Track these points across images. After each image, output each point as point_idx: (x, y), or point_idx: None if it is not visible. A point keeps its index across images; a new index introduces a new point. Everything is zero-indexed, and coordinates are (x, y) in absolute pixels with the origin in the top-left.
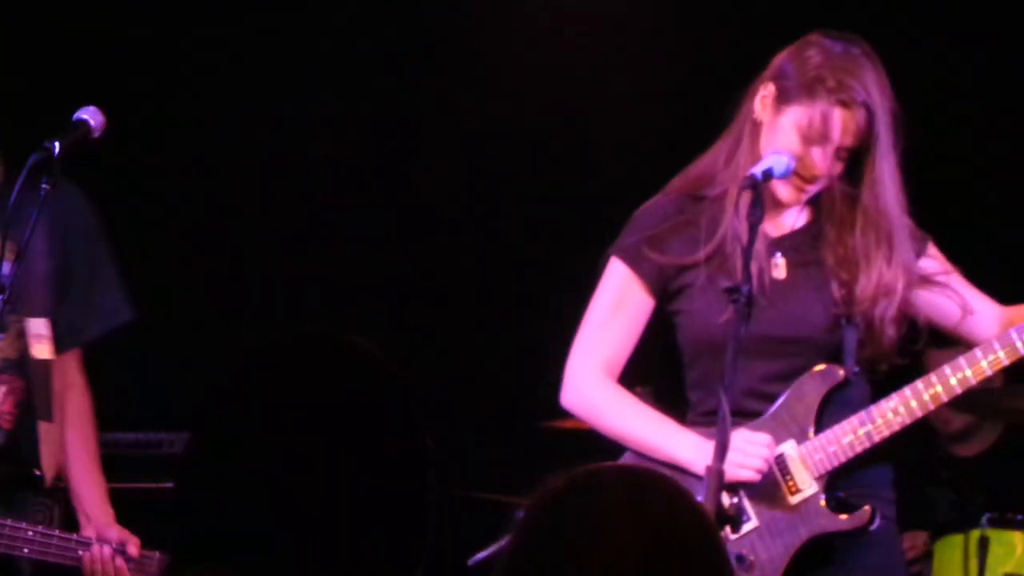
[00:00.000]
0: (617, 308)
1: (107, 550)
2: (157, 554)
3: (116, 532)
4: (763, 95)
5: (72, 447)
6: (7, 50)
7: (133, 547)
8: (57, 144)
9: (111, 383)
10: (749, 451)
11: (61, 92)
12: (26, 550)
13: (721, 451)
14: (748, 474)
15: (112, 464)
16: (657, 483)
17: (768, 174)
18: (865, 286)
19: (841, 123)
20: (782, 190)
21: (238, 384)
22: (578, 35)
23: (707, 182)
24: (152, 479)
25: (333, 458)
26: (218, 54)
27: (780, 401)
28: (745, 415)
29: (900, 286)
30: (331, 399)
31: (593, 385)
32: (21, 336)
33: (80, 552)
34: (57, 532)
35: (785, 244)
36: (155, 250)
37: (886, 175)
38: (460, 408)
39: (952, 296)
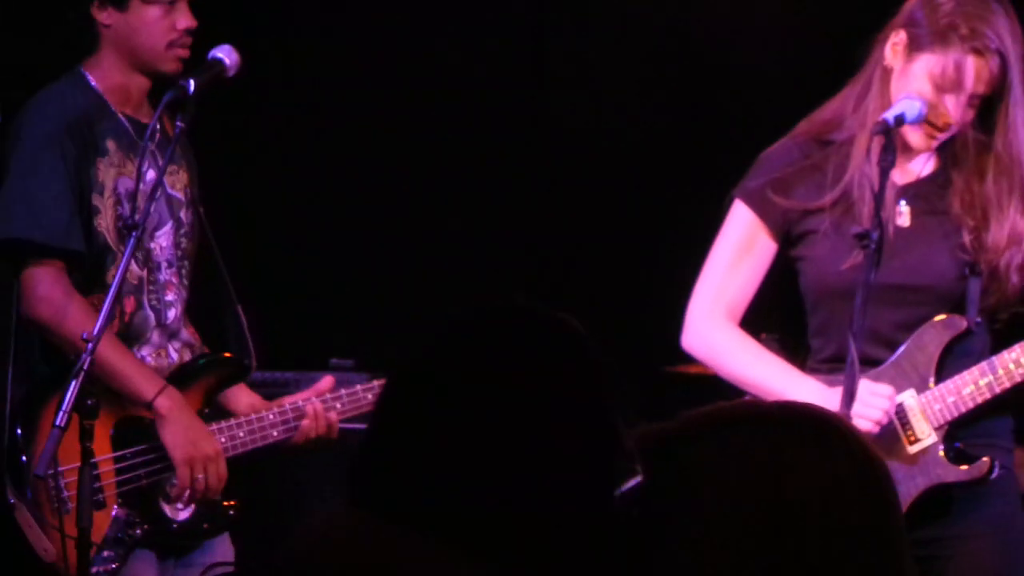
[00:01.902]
0: (740, 251)
1: (318, 404)
2: (357, 387)
3: (295, 398)
4: (894, 42)
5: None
6: None
7: (326, 384)
8: (192, 82)
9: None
10: (870, 401)
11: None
12: (275, 433)
13: (849, 397)
14: (867, 424)
15: None
16: (835, 424)
17: (900, 119)
18: (997, 234)
19: (974, 71)
20: (913, 136)
21: (436, 350)
22: None
23: (834, 127)
24: None
25: (520, 430)
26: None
27: (901, 350)
28: (867, 362)
29: None
30: (526, 370)
31: (715, 328)
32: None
33: (295, 422)
34: (274, 410)
35: (911, 192)
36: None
37: (1019, 122)
38: None
39: None
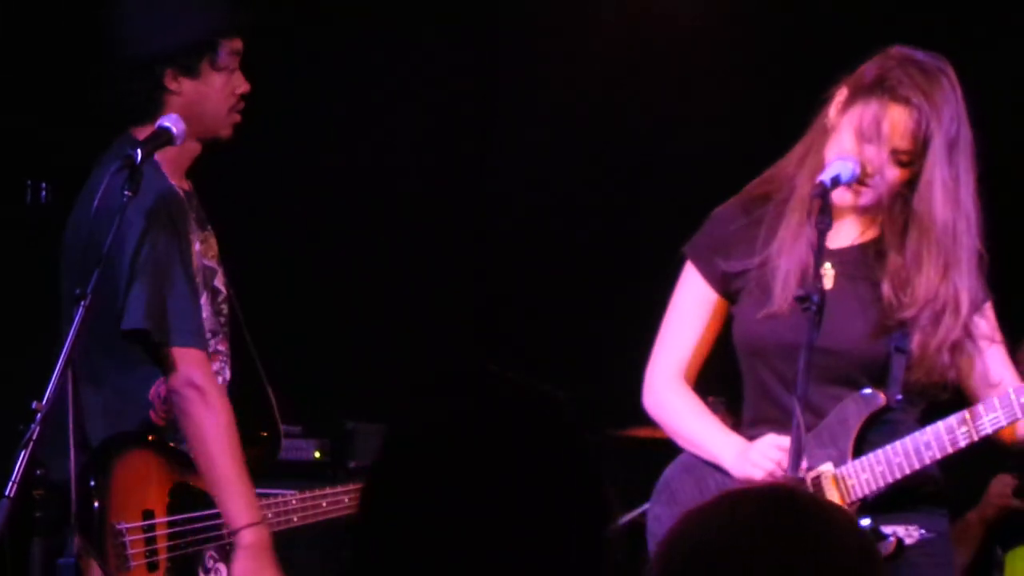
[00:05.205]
0: (689, 309)
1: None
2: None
3: None
4: (838, 100)
5: None
6: None
7: None
8: (139, 152)
9: None
10: (769, 454)
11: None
12: (295, 519)
13: (796, 459)
14: (759, 474)
15: None
16: (813, 506)
17: (836, 180)
18: (915, 290)
19: (891, 121)
20: (837, 194)
21: (421, 433)
22: (662, 39)
23: (777, 185)
24: None
25: (510, 515)
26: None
27: (824, 421)
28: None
29: (963, 304)
30: (510, 454)
31: (665, 389)
32: None
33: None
34: (326, 490)
35: (836, 257)
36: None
37: (937, 182)
38: None
39: (982, 365)
